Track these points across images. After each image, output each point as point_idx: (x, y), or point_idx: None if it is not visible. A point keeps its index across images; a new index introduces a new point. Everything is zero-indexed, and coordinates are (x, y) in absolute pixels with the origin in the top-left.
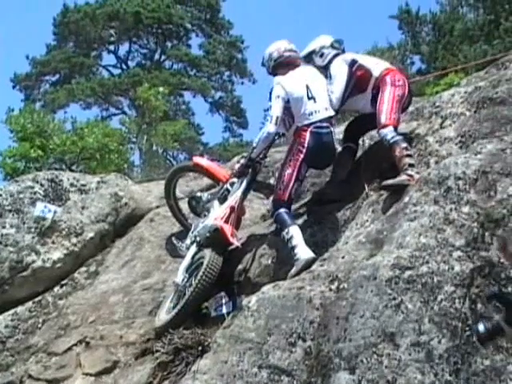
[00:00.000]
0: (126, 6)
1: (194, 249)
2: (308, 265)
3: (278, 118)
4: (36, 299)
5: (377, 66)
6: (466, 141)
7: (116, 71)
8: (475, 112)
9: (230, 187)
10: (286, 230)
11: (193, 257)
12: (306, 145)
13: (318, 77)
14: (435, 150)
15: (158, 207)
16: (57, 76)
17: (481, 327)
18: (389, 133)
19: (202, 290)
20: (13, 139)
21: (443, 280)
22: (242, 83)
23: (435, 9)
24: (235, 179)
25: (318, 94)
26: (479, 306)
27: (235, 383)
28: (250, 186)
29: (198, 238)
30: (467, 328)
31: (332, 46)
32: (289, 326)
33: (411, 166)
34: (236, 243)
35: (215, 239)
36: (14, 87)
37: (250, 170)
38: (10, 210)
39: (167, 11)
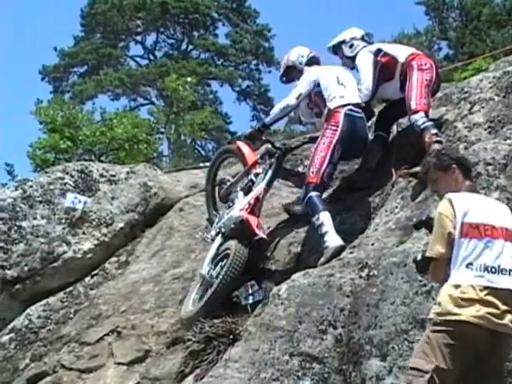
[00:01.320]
0: None
1: (219, 240)
2: (337, 253)
3: (301, 94)
4: (67, 290)
5: (402, 51)
6: (495, 126)
7: (143, 62)
8: (504, 97)
9: (254, 178)
10: (317, 216)
11: (218, 248)
12: (340, 125)
13: (347, 72)
14: (464, 135)
15: (187, 196)
16: (85, 67)
17: (419, 256)
18: (419, 118)
19: (229, 281)
20: (42, 131)
21: None
22: (270, 72)
23: None
24: (260, 170)
25: (347, 83)
26: None
27: (266, 371)
28: (274, 177)
29: (223, 230)
30: None
31: (362, 39)
32: (319, 313)
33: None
34: (262, 235)
35: (240, 230)
36: (42, 79)
37: (274, 161)
38: (40, 202)
39: (193, 1)
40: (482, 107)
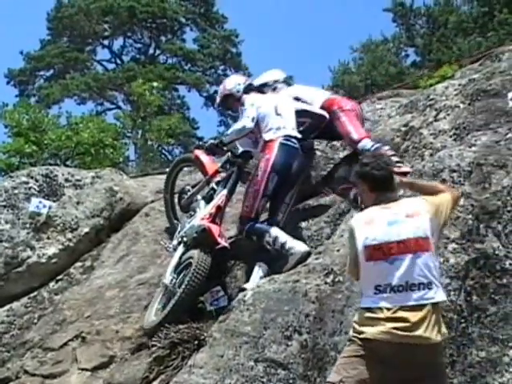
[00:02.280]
0: (120, 1)
1: (181, 249)
2: (303, 259)
3: (254, 117)
4: (31, 295)
5: (317, 98)
6: (460, 133)
7: (110, 66)
8: (469, 104)
9: (215, 187)
10: (268, 234)
11: (180, 257)
12: (273, 156)
13: (286, 101)
14: (429, 142)
15: (153, 202)
16: (51, 71)
17: None
18: (367, 144)
19: (192, 291)
20: (7, 135)
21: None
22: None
23: (429, 1)
24: (220, 178)
25: (285, 114)
26: (474, 298)
27: (231, 377)
28: (235, 186)
29: (185, 239)
30: (462, 320)
31: (285, 82)
32: (284, 319)
33: (399, 162)
34: (224, 243)
35: (202, 239)
36: (8, 83)
37: (235, 169)
38: (4, 206)
39: (161, 5)
40: (448, 114)
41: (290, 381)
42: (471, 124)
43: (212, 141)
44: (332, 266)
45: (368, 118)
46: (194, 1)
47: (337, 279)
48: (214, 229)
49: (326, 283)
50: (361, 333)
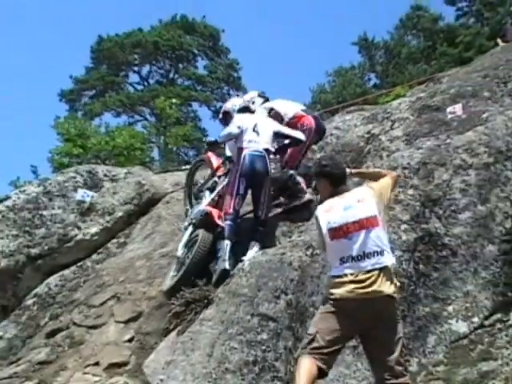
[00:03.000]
0: (147, 37)
1: (190, 229)
2: (223, 274)
3: (239, 126)
4: (78, 264)
5: (289, 110)
6: (410, 139)
7: (139, 87)
8: (417, 117)
9: (217, 179)
10: (222, 241)
11: (190, 235)
12: (241, 161)
13: (266, 122)
14: (387, 146)
15: (172, 192)
16: (94, 91)
17: None
18: (294, 172)
19: (197, 260)
20: (59, 140)
21: (393, 247)
22: (237, 95)
23: (387, 37)
24: (221, 173)
25: (262, 132)
26: (421, 266)
27: (233, 328)
28: None
29: (193, 221)
30: (411, 283)
31: (259, 96)
32: (274, 283)
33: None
34: (222, 224)
35: (206, 221)
36: (60, 100)
37: (232, 166)
38: (57, 195)
39: (179, 40)
40: (401, 124)
41: (278, 331)
42: (418, 132)
43: (210, 139)
44: (311, 241)
45: (339, 127)
46: (204, 36)
47: (315, 252)
48: (215, 212)
49: (306, 255)
50: (331, 294)
